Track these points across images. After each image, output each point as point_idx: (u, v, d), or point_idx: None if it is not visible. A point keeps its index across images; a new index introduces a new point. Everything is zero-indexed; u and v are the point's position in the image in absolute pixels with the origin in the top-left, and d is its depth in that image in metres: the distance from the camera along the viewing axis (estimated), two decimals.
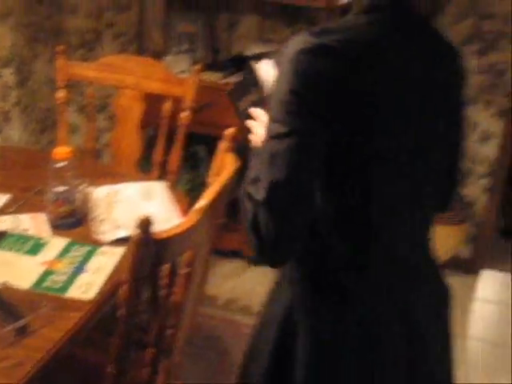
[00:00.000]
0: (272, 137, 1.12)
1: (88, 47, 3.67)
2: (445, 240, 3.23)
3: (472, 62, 3.16)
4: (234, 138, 1.69)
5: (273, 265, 1.19)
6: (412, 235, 1.36)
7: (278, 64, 1.17)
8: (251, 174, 1.16)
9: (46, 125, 3.63)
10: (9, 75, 3.26)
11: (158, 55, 3.35)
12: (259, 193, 1.10)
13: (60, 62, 2.48)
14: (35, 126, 3.54)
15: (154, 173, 2.42)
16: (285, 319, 1.30)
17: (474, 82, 3.19)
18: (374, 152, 1.16)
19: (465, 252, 3.49)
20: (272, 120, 1.14)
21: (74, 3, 3.61)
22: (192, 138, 2.72)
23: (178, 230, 1.28)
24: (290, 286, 1.31)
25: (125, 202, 1.96)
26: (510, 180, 3.45)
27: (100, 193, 2.01)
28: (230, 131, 1.70)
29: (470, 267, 3.50)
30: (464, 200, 3.34)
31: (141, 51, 3.22)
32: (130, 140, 2.51)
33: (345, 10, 1.31)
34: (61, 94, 2.50)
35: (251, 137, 1.32)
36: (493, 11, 3.07)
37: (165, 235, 1.25)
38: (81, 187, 1.86)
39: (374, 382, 1.28)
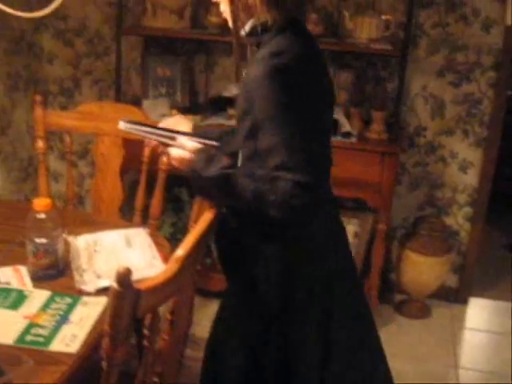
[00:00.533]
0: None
1: (67, 94, 3.69)
2: (432, 270, 3.23)
3: (448, 93, 3.21)
4: None
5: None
6: None
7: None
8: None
9: (28, 172, 3.63)
10: None
11: (136, 99, 3.38)
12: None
13: (38, 111, 2.49)
14: (17, 175, 3.53)
15: (136, 218, 2.42)
16: None
17: (451, 112, 3.24)
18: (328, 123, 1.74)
19: (452, 281, 3.49)
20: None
21: (51, 52, 3.64)
22: (174, 181, 2.72)
23: (157, 281, 1.28)
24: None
25: (106, 251, 1.96)
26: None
27: (81, 242, 2.00)
28: None
29: (458, 296, 3.50)
30: (448, 230, 3.36)
31: (119, 96, 3.24)
32: (110, 187, 2.51)
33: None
34: (40, 144, 2.51)
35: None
36: (465, 43, 3.12)
37: (143, 286, 1.24)
38: (61, 237, 1.85)
39: None
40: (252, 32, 1.63)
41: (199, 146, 1.66)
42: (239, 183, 1.51)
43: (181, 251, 1.36)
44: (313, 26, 2.99)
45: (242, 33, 1.65)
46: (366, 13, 3.08)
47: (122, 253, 1.95)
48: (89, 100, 3.63)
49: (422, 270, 3.22)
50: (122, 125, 1.75)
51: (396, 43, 3.01)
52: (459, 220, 3.39)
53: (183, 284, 1.47)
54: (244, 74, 1.65)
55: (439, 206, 3.39)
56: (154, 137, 1.72)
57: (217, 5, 1.69)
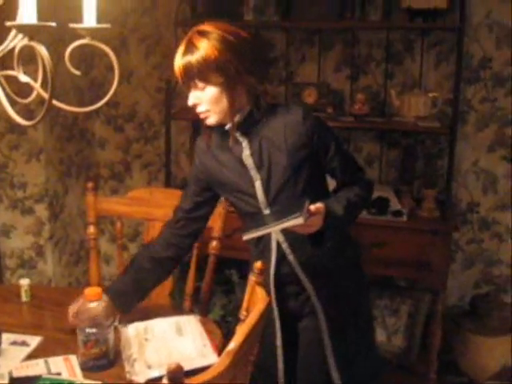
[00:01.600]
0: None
1: (118, 178, 3.76)
2: (492, 351, 3.10)
3: (500, 167, 3.16)
4: (262, 271, 1.67)
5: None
6: None
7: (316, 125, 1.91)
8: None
9: (79, 256, 3.67)
10: (42, 210, 3.33)
11: (186, 183, 3.40)
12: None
13: (89, 198, 2.53)
14: (68, 259, 3.57)
15: (186, 303, 2.40)
16: None
17: (504, 187, 3.18)
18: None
19: None
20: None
21: (102, 137, 3.73)
22: (224, 263, 2.71)
23: (209, 376, 1.24)
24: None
25: (156, 339, 1.93)
26: None
27: (132, 330, 1.98)
28: (258, 265, 1.68)
29: None
30: (507, 308, 3.23)
31: (169, 180, 3.28)
32: None
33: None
34: (91, 230, 2.53)
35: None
36: None
37: (195, 382, 1.21)
38: (112, 327, 1.84)
39: None
40: (247, 118, 1.90)
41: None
42: (353, 203, 1.93)
43: (233, 344, 1.33)
44: (360, 105, 3.01)
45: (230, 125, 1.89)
46: (413, 91, 3.08)
47: (173, 342, 1.92)
48: (139, 183, 3.69)
49: (482, 351, 3.09)
50: (245, 237, 1.79)
51: (444, 120, 2.99)
52: None
53: (236, 377, 1.43)
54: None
55: (496, 284, 3.28)
56: (278, 228, 1.80)
57: (196, 105, 1.86)
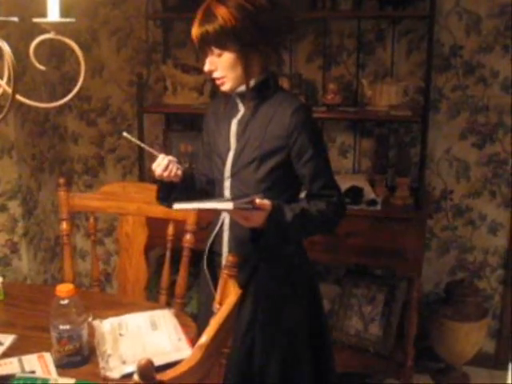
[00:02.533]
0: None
1: (92, 173, 3.73)
2: (468, 337, 3.13)
3: (472, 155, 3.18)
4: (235, 264, 1.67)
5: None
6: None
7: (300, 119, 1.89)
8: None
9: (54, 252, 3.64)
10: (16, 207, 3.30)
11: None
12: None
13: (61, 194, 2.51)
14: (44, 255, 3.54)
15: (162, 297, 2.40)
16: None
17: (477, 174, 3.20)
18: None
19: (490, 347, 3.38)
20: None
21: (75, 132, 3.70)
22: (200, 256, 2.70)
23: (181, 370, 1.24)
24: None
25: (131, 335, 1.92)
26: None
27: (106, 325, 1.97)
28: (230, 258, 1.68)
29: (496, 362, 3.38)
30: (482, 294, 3.27)
31: (143, 174, 3.26)
32: (136, 267, 2.49)
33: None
34: (64, 226, 2.51)
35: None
36: (485, 104, 3.11)
37: (167, 378, 1.20)
38: (86, 323, 1.83)
39: None
40: (257, 87, 1.94)
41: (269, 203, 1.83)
42: (308, 216, 1.88)
43: (204, 337, 1.33)
44: (332, 95, 3.01)
45: (242, 88, 1.93)
46: (385, 80, 3.09)
47: (148, 336, 1.91)
48: (113, 178, 3.67)
49: (458, 337, 3.12)
50: (175, 206, 1.83)
51: (416, 108, 3.01)
52: (492, 283, 3.30)
53: (209, 370, 1.43)
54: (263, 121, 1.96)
55: (471, 270, 3.32)
56: (208, 206, 1.85)
57: (212, 70, 1.92)
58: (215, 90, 3.30)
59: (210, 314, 1.97)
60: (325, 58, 3.23)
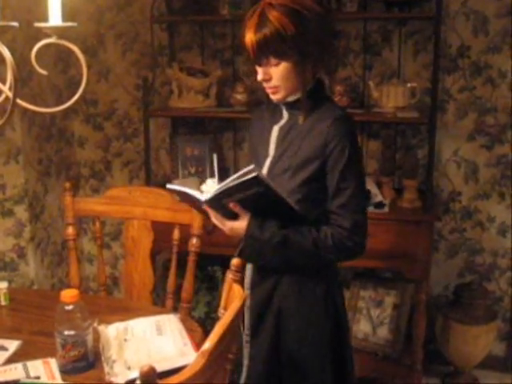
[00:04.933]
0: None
1: (98, 177, 3.73)
2: (477, 340, 3.10)
3: (480, 156, 3.16)
4: (239, 268, 1.66)
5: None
6: None
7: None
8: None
9: (61, 257, 3.64)
10: (22, 212, 3.29)
11: (167, 180, 3.39)
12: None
13: (67, 198, 2.50)
14: (51, 260, 3.54)
15: (168, 302, 2.38)
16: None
17: (485, 175, 3.17)
18: None
19: (500, 350, 3.35)
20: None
21: (82, 136, 3.70)
22: (207, 259, 2.70)
23: (184, 377, 1.23)
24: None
25: (136, 340, 1.91)
26: None
27: (112, 330, 1.96)
28: (235, 262, 1.67)
29: (506, 365, 3.35)
30: (491, 296, 3.24)
31: (149, 177, 3.26)
32: (141, 271, 2.48)
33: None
34: (69, 231, 2.50)
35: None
36: (493, 105, 3.09)
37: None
38: (91, 329, 1.82)
39: None
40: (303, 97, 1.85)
41: (247, 213, 1.79)
42: (295, 242, 1.78)
43: (208, 344, 1.32)
44: (339, 97, 2.99)
45: (293, 97, 1.86)
46: (391, 81, 3.07)
47: (153, 341, 1.90)
48: (120, 182, 3.66)
49: (467, 340, 3.09)
50: (168, 185, 1.91)
51: (423, 110, 2.98)
52: (502, 285, 3.28)
53: (213, 376, 1.42)
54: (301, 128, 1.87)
55: (480, 272, 3.29)
56: (190, 192, 1.82)
57: (267, 80, 1.84)
58: (221, 92, 3.30)
59: None
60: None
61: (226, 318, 1.44)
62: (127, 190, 2.57)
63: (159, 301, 2.60)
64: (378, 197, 2.96)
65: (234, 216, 1.80)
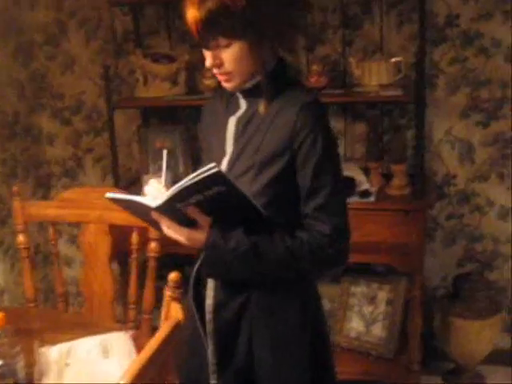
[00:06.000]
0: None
1: (70, 175, 3.50)
2: (480, 335, 2.86)
3: (476, 134, 2.90)
4: (179, 285, 1.42)
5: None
6: None
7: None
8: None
9: (34, 262, 3.42)
10: None
11: (137, 174, 3.18)
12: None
13: (15, 204, 2.28)
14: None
15: (130, 313, 2.17)
16: None
17: (482, 155, 2.91)
18: None
19: (505, 343, 3.09)
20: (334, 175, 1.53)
21: (50, 132, 3.47)
22: (173, 261, 2.49)
23: None
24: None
25: (78, 363, 1.68)
26: None
27: (53, 353, 1.73)
28: (173, 276, 1.43)
29: None
30: (494, 286, 2.98)
31: (117, 174, 3.03)
32: (101, 278, 2.25)
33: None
34: (20, 239, 2.29)
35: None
36: (488, 77, 2.82)
37: None
38: (21, 355, 1.59)
39: None
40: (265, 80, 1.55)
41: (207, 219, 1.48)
42: (266, 251, 1.49)
43: (124, 379, 1.08)
44: (316, 77, 2.74)
45: (249, 84, 1.58)
46: (374, 57, 2.81)
47: (97, 365, 1.68)
48: (93, 179, 3.44)
49: (469, 335, 2.84)
50: (108, 194, 1.56)
51: (411, 86, 2.71)
52: (505, 274, 3.01)
53: None
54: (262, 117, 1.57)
55: (480, 261, 3.03)
56: (135, 199, 1.50)
57: (217, 65, 1.53)
58: (191, 78, 3.06)
59: (196, 357, 1.73)
60: (307, 38, 2.95)
61: (150, 345, 1.21)
62: (82, 191, 2.35)
63: (126, 311, 2.37)
64: (363, 185, 2.71)
65: (190, 223, 1.49)
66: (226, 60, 1.51)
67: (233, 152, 1.61)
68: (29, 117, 3.38)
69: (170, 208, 1.42)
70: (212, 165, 1.31)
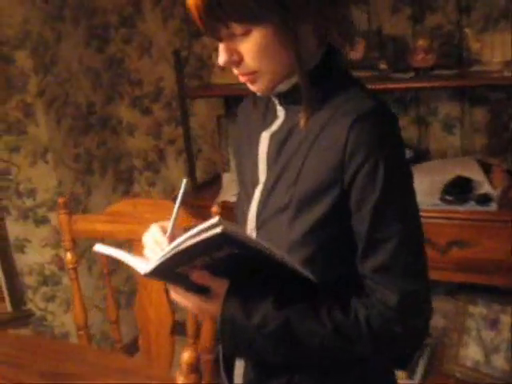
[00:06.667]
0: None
1: (153, 169, 3.20)
2: None
3: None
4: (194, 368, 1.04)
5: None
6: None
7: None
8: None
9: (114, 266, 3.18)
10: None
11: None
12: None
13: (61, 217, 2.00)
14: (99, 268, 3.08)
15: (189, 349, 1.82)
16: None
17: None
18: None
19: None
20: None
21: (130, 123, 3.17)
22: None
23: None
24: None
25: None
26: None
27: None
28: (186, 357, 1.06)
29: None
30: None
31: (193, 172, 2.70)
32: (156, 306, 1.93)
33: None
34: (69, 257, 2.01)
35: None
36: None
37: None
38: None
39: None
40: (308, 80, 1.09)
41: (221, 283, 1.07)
42: (305, 330, 1.05)
43: None
44: (422, 55, 2.24)
45: (284, 86, 1.13)
46: (498, 26, 2.27)
47: None
48: (176, 173, 3.13)
49: None
50: (97, 247, 1.18)
51: None
52: None
53: None
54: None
55: None
56: (124, 259, 1.12)
57: (235, 62, 1.09)
58: None
59: None
60: (414, 5, 2.43)
61: None
62: (132, 203, 2.01)
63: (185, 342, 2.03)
64: (482, 187, 2.20)
65: (201, 287, 1.09)
66: (245, 54, 1.06)
67: (266, 180, 1.17)
68: (105, 107, 3.10)
69: (167, 272, 1.03)
70: (215, 221, 0.89)
